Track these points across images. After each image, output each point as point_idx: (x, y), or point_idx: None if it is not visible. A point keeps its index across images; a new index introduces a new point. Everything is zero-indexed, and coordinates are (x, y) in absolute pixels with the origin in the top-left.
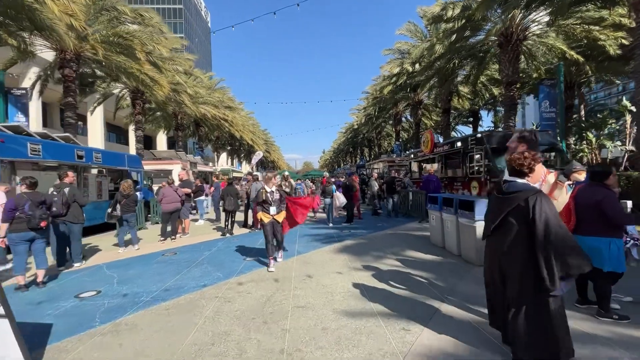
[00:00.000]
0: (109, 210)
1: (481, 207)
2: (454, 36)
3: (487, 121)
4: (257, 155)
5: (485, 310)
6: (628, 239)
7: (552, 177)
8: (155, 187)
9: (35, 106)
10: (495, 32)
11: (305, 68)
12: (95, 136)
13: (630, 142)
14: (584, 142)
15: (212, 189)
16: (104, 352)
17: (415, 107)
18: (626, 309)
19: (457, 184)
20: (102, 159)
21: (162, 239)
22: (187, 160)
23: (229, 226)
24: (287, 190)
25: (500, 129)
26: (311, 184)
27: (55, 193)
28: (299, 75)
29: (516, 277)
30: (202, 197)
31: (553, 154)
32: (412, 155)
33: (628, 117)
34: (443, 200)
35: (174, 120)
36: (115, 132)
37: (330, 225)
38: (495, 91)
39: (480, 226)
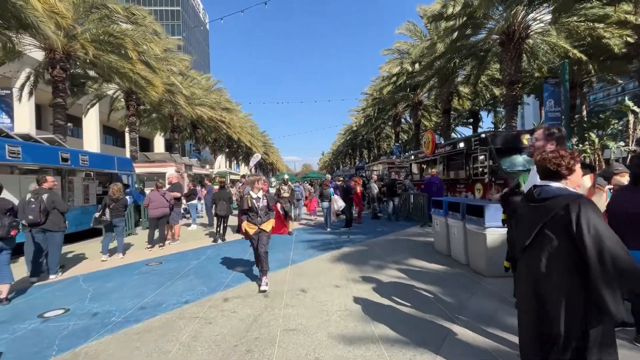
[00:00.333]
0: (97, 214)
1: (492, 213)
2: (456, 34)
3: (487, 122)
4: (255, 158)
5: (505, 334)
6: None
7: (587, 180)
8: (147, 191)
9: (27, 108)
10: (498, 30)
11: (304, 68)
12: (91, 139)
13: (634, 143)
14: (587, 142)
15: (205, 192)
16: None
17: (415, 108)
18: None
19: (460, 187)
20: (89, 161)
21: (149, 246)
22: (182, 163)
23: (221, 232)
24: (286, 194)
25: (502, 129)
26: (309, 186)
27: (32, 200)
28: (297, 76)
29: (560, 306)
30: (195, 201)
31: None
32: (412, 157)
33: (631, 117)
34: (449, 205)
35: (170, 122)
36: (112, 134)
37: (328, 230)
38: (496, 91)
39: (491, 234)
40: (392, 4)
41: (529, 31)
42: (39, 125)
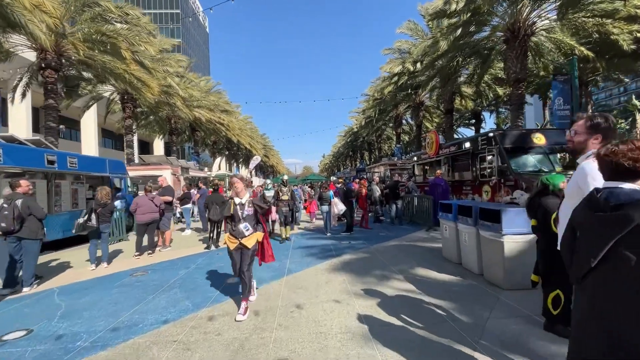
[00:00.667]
0: (82, 219)
1: (510, 218)
2: (459, 31)
3: (489, 123)
4: (255, 160)
5: None
6: None
7: None
8: (141, 194)
9: (24, 110)
10: (503, 27)
11: (305, 69)
12: (89, 142)
13: None
14: None
15: (198, 195)
16: None
17: (417, 109)
18: None
19: (466, 189)
20: (78, 164)
21: (137, 254)
22: (179, 166)
23: (214, 238)
24: (285, 197)
25: (509, 128)
26: (309, 189)
27: (5, 206)
28: (298, 76)
29: None
30: (189, 205)
31: (571, 155)
32: (415, 158)
33: (638, 117)
34: (459, 209)
35: (167, 124)
36: (111, 138)
37: (328, 234)
38: (500, 91)
39: (509, 241)
40: (392, 3)
41: (535, 28)
42: (37, 129)
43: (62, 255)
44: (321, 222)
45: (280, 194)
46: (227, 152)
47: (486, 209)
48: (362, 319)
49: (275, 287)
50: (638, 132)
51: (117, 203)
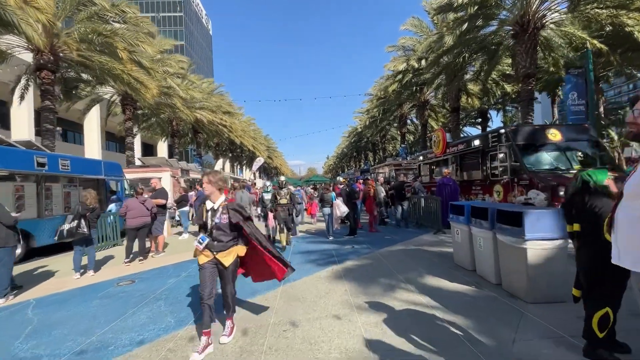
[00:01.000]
0: (68, 225)
1: (534, 221)
2: (465, 25)
3: (496, 122)
4: (258, 162)
5: None
6: None
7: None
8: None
9: (26, 113)
10: (511, 21)
11: (305, 69)
12: (92, 145)
13: None
14: (605, 140)
15: (195, 198)
16: None
17: (422, 108)
18: None
19: (476, 189)
20: (71, 166)
21: (127, 260)
22: (179, 168)
23: None
24: (284, 201)
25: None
26: (312, 190)
27: None
28: (298, 76)
29: None
30: (187, 208)
31: (590, 152)
32: (421, 158)
33: None
34: (472, 210)
35: (169, 126)
36: (115, 140)
37: (330, 238)
38: (508, 88)
39: (533, 248)
40: (393, 3)
41: (545, 21)
42: (39, 131)
43: (51, 262)
44: (323, 224)
45: (278, 197)
46: (230, 154)
47: (505, 210)
48: (365, 340)
49: (270, 300)
50: None
51: (113, 206)
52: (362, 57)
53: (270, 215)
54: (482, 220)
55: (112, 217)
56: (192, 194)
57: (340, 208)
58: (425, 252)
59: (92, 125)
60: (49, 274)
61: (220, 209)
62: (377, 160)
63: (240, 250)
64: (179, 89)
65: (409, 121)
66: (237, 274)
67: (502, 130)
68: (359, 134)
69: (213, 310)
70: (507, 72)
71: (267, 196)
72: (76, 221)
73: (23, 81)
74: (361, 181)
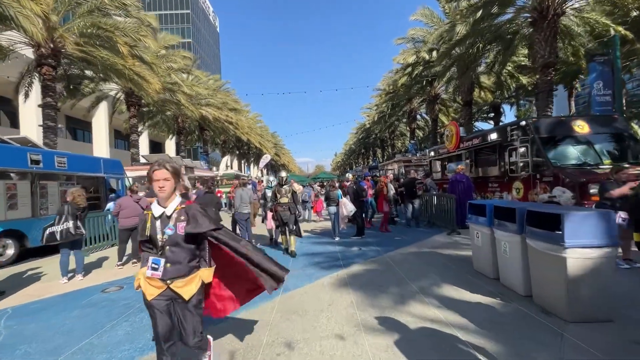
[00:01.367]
0: (61, 227)
1: (577, 224)
2: (479, 13)
3: (509, 116)
4: (265, 159)
5: None
6: None
7: None
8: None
9: (34, 111)
10: (529, 8)
11: (304, 67)
12: (101, 143)
13: None
14: None
15: (195, 197)
16: None
17: (432, 102)
18: None
19: (493, 186)
20: (67, 164)
21: (120, 263)
22: (183, 165)
23: None
24: (285, 200)
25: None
26: (318, 188)
27: None
28: (297, 75)
29: None
30: None
31: (621, 145)
32: (432, 153)
33: None
34: (496, 210)
35: (175, 123)
36: (123, 138)
37: (336, 239)
38: (523, 80)
39: (575, 257)
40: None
41: (565, 7)
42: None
43: (44, 263)
44: (329, 223)
45: (278, 195)
46: (237, 152)
47: (538, 212)
48: None
49: (265, 312)
50: None
51: (111, 205)
52: (363, 57)
53: (269, 215)
54: (508, 222)
55: (110, 216)
56: (193, 192)
57: (347, 207)
58: (439, 255)
59: (101, 123)
60: (35, 278)
61: (176, 216)
62: (385, 157)
63: (206, 274)
64: (184, 85)
65: (418, 116)
66: (202, 308)
67: (524, 122)
68: (367, 130)
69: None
70: (523, 63)
71: (269, 193)
72: (71, 222)
73: (27, 78)
74: (369, 178)
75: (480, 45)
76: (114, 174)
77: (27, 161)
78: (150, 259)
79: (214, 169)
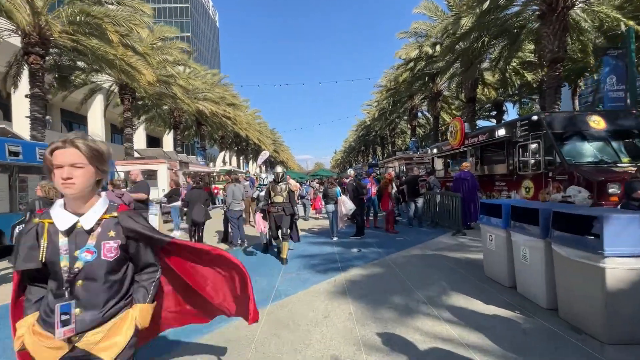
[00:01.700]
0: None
1: (618, 229)
2: (486, 4)
3: (512, 114)
4: (263, 155)
5: None
6: None
7: None
8: (123, 190)
9: (27, 103)
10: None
11: (304, 64)
12: (97, 137)
13: None
14: None
15: (185, 192)
16: None
17: (434, 99)
18: None
19: (500, 184)
20: None
21: None
22: (177, 160)
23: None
24: (279, 199)
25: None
26: (317, 185)
27: None
28: (296, 72)
29: None
30: (178, 203)
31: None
32: (435, 150)
33: None
34: (513, 211)
35: (171, 118)
36: (120, 133)
37: (335, 239)
38: (529, 76)
39: (616, 268)
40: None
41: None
42: (42, 123)
43: None
44: (327, 221)
45: (272, 193)
46: (236, 148)
47: (569, 214)
48: None
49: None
50: None
51: None
52: (363, 56)
53: (259, 216)
54: (529, 224)
55: None
56: (183, 187)
57: (346, 205)
58: (446, 259)
59: (96, 116)
60: (9, 279)
61: (100, 230)
62: (385, 155)
63: (142, 315)
64: (180, 77)
65: (419, 114)
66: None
67: (535, 117)
68: (367, 127)
69: None
70: (529, 59)
71: (262, 193)
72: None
73: (14, 68)
74: (373, 175)
75: (486, 39)
76: None
77: (4, 153)
78: (57, 306)
79: (211, 164)
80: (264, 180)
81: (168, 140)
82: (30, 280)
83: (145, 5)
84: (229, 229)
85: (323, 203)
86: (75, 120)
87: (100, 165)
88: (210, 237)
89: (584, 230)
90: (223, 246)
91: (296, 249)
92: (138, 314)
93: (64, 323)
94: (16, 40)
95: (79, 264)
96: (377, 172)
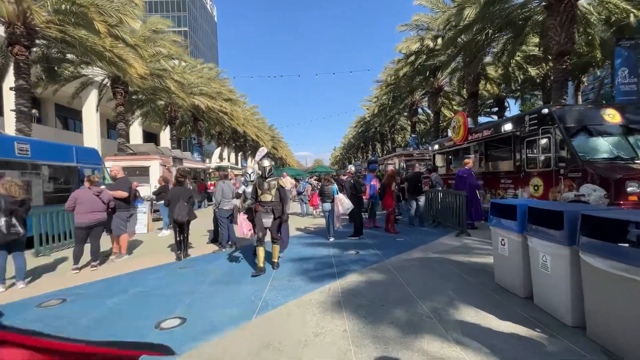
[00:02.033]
0: None
1: None
2: None
3: (514, 110)
4: (261, 152)
5: None
6: None
7: None
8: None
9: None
10: None
11: (302, 60)
12: (92, 133)
13: None
14: None
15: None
16: None
17: (435, 95)
18: None
19: (506, 182)
20: (31, 151)
21: (76, 267)
22: (170, 156)
23: (183, 244)
24: (266, 197)
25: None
26: (315, 182)
27: None
28: (296, 70)
29: None
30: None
31: None
32: (436, 146)
33: None
34: (530, 213)
35: (166, 113)
36: (115, 129)
37: (331, 239)
38: (532, 71)
39: None
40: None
41: None
42: (39, 120)
43: None
44: (323, 219)
45: (259, 191)
46: (233, 144)
47: (602, 217)
48: None
49: (231, 342)
50: None
51: None
52: (363, 55)
53: (242, 217)
54: (551, 228)
55: None
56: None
57: (344, 204)
58: (451, 263)
59: (91, 111)
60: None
61: None
62: (385, 152)
63: None
64: (174, 71)
65: (420, 110)
66: None
67: (546, 110)
68: (366, 123)
69: None
70: (533, 53)
71: (248, 190)
72: (3, 219)
73: (0, 60)
74: (376, 172)
75: (490, 31)
76: (89, 164)
77: None
78: None
79: (207, 160)
80: (250, 175)
81: (165, 137)
82: None
83: None
84: (220, 229)
85: (319, 201)
86: (70, 115)
87: None
88: (200, 237)
89: (620, 237)
90: (213, 247)
91: (289, 251)
92: None
93: None
94: (1, 30)
95: None
96: (378, 169)
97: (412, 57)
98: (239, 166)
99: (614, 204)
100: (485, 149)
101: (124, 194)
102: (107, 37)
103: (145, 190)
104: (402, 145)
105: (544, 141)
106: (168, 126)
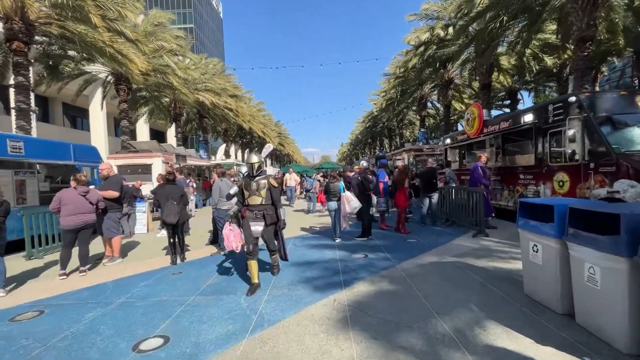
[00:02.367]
0: None
1: None
2: None
3: (527, 103)
4: (267, 148)
5: None
6: None
7: None
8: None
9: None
10: None
11: (302, 60)
12: (99, 131)
13: None
14: None
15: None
16: None
17: (445, 88)
18: None
19: (526, 178)
20: (25, 149)
21: (63, 272)
22: (173, 153)
23: (179, 247)
24: (255, 200)
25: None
26: (321, 178)
27: None
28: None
29: None
30: None
31: None
32: (448, 140)
33: None
34: (571, 215)
35: (171, 109)
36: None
37: (337, 241)
38: (549, 61)
39: None
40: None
41: None
42: (47, 119)
43: None
44: (329, 218)
45: (246, 193)
46: (240, 141)
47: None
48: None
49: None
50: None
51: None
52: (362, 54)
53: (227, 227)
54: (600, 234)
55: None
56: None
57: (351, 203)
58: (470, 269)
59: (98, 109)
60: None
61: None
62: (393, 147)
63: None
64: (177, 67)
65: (429, 104)
66: None
67: (573, 98)
68: (374, 118)
69: None
70: (549, 41)
71: (233, 191)
72: None
73: (1, 57)
74: (387, 167)
75: (504, 18)
76: (87, 162)
77: None
78: None
79: (213, 157)
80: (243, 174)
81: (172, 134)
82: None
83: None
84: (218, 230)
85: (326, 199)
86: (77, 114)
87: None
88: (199, 238)
89: None
90: (212, 249)
91: (292, 253)
92: None
93: None
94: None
95: None
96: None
97: (422, 48)
98: (243, 163)
99: None
100: (503, 142)
101: (115, 194)
102: (104, 30)
103: (148, 189)
104: (411, 140)
105: (571, 132)
106: (171, 122)
